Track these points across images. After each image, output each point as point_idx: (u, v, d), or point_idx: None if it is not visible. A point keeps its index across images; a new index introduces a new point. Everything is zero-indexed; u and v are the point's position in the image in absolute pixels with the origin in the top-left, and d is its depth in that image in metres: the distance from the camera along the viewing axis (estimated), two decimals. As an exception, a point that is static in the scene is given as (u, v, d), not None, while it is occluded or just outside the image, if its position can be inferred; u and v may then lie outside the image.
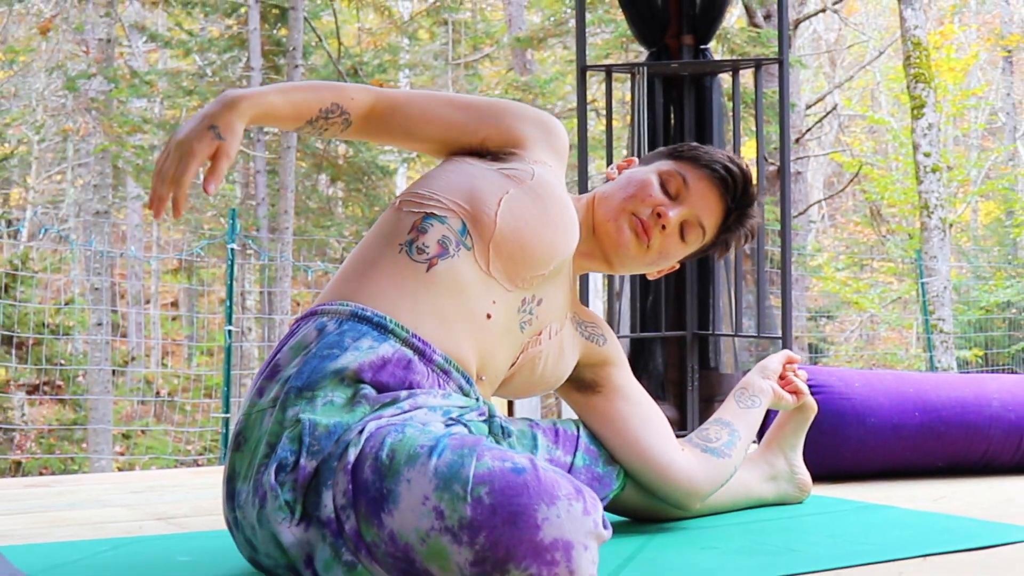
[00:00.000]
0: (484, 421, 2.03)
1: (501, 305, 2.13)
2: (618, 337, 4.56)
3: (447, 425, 1.89)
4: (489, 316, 2.11)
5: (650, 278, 2.56)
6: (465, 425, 1.95)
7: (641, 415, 2.43)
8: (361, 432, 1.82)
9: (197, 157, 1.94)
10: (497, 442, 2.06)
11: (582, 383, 2.45)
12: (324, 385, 1.91)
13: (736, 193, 2.40)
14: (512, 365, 2.23)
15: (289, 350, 2.01)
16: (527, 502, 1.62)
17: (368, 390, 1.92)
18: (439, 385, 2.00)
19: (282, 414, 1.90)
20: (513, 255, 2.12)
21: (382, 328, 1.99)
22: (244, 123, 2.02)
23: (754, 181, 2.45)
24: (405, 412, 1.89)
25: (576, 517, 1.63)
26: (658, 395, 4.61)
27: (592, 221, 2.37)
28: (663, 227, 2.33)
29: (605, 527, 1.69)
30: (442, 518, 1.64)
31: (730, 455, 2.49)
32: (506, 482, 1.64)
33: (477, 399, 2.07)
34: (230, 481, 1.95)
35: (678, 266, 2.50)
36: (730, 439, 2.51)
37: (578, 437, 2.40)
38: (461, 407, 1.99)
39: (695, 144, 2.47)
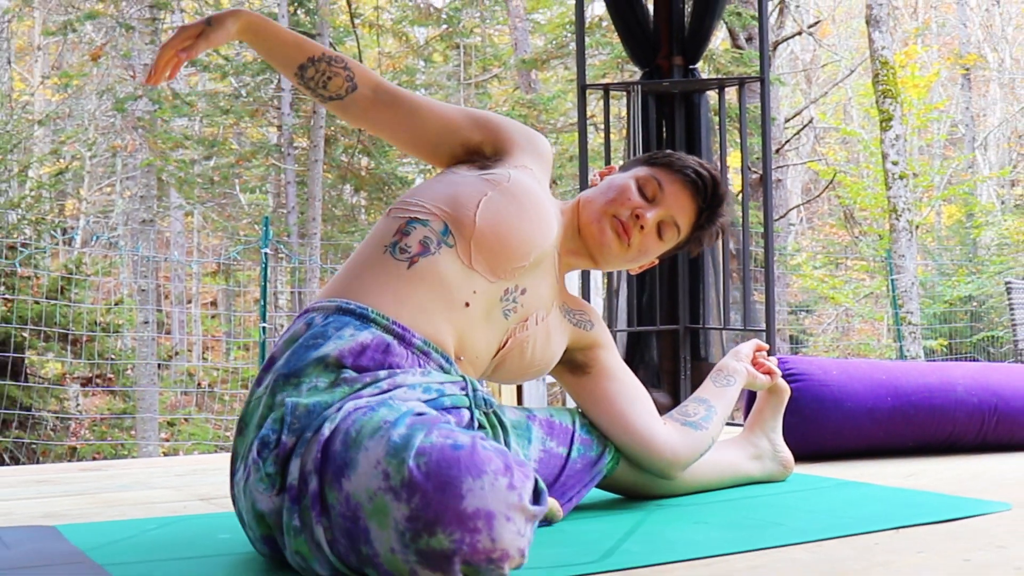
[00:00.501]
0: (466, 395, 2.04)
1: (482, 295, 2.14)
2: (616, 331, 4.57)
3: (424, 403, 1.90)
4: (468, 304, 2.12)
5: (632, 273, 2.59)
6: (446, 398, 1.98)
7: (627, 393, 2.45)
8: (340, 410, 1.83)
9: (183, 33, 2.17)
10: (484, 414, 2.09)
11: (574, 365, 2.46)
12: (309, 372, 1.93)
13: (707, 194, 2.41)
14: (501, 349, 2.24)
15: (283, 343, 2.04)
16: (456, 474, 1.61)
17: (349, 373, 1.93)
18: (419, 365, 2.01)
19: (271, 399, 1.92)
20: (493, 249, 2.13)
21: (364, 318, 2.01)
22: (237, 24, 2.21)
23: (722, 184, 2.47)
24: (384, 392, 1.90)
25: (499, 490, 1.61)
26: (653, 384, 4.61)
27: (578, 223, 2.39)
28: (641, 227, 2.35)
29: (538, 503, 1.67)
30: (388, 479, 1.63)
31: (707, 428, 2.51)
32: (442, 455, 1.63)
33: (461, 376, 2.08)
34: (232, 462, 1.98)
35: (657, 262, 2.53)
36: (707, 414, 2.54)
37: (573, 430, 2.41)
38: (441, 382, 2.00)
39: (669, 152, 2.50)
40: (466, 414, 2.03)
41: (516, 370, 2.32)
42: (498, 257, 2.14)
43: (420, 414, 1.80)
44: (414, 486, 1.61)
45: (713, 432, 2.53)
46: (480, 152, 2.33)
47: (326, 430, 1.78)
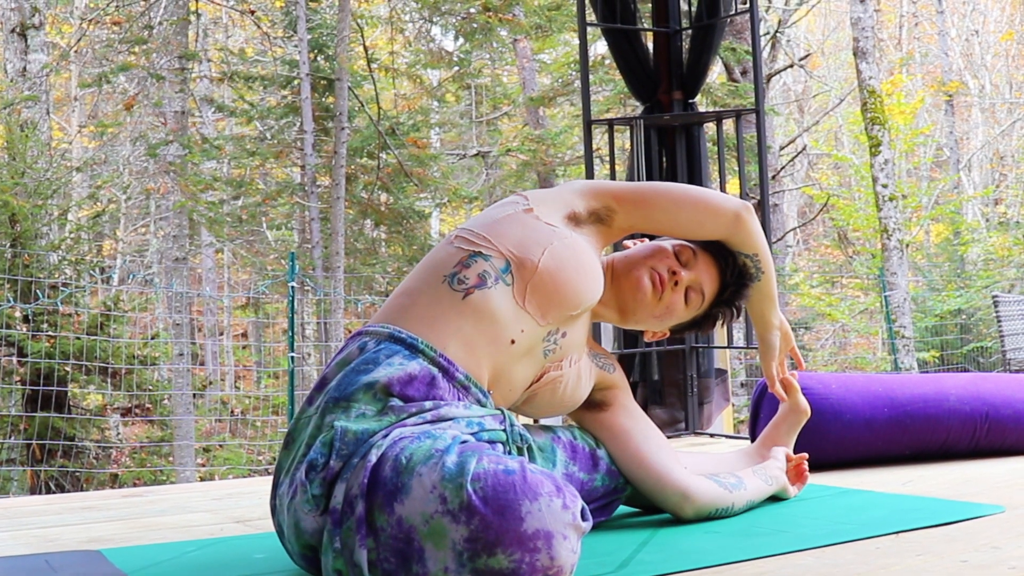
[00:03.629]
0: (503, 429, 2.04)
1: (528, 334, 2.13)
2: (624, 352, 4.56)
3: (465, 437, 1.89)
4: (513, 342, 2.11)
5: (646, 339, 2.55)
6: (485, 433, 1.97)
7: (642, 430, 2.43)
8: (387, 436, 1.83)
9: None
10: (517, 448, 2.07)
11: (592, 403, 2.45)
12: (358, 397, 1.93)
13: (733, 272, 2.43)
14: (533, 383, 2.23)
15: (336, 365, 2.04)
16: (513, 497, 1.63)
17: (396, 402, 1.92)
18: (459, 398, 2.01)
19: (321, 420, 1.93)
20: (549, 295, 2.12)
21: (413, 348, 2.00)
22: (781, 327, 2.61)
23: (747, 269, 2.46)
24: (428, 422, 1.90)
25: (555, 511, 1.64)
26: (655, 401, 4.59)
27: (612, 275, 2.39)
28: (676, 283, 2.36)
29: (585, 519, 1.69)
30: (445, 503, 1.65)
31: (730, 492, 2.45)
32: (497, 480, 1.65)
33: (499, 410, 2.08)
34: (277, 474, 1.98)
35: (668, 333, 2.50)
36: (736, 483, 2.48)
37: (596, 455, 2.40)
38: (481, 416, 2.00)
39: None
40: (500, 448, 2.02)
41: (546, 406, 2.32)
42: (551, 303, 2.13)
43: (464, 441, 1.81)
44: (472, 509, 1.63)
45: (734, 499, 2.45)
46: (608, 214, 2.33)
47: (373, 456, 1.78)
